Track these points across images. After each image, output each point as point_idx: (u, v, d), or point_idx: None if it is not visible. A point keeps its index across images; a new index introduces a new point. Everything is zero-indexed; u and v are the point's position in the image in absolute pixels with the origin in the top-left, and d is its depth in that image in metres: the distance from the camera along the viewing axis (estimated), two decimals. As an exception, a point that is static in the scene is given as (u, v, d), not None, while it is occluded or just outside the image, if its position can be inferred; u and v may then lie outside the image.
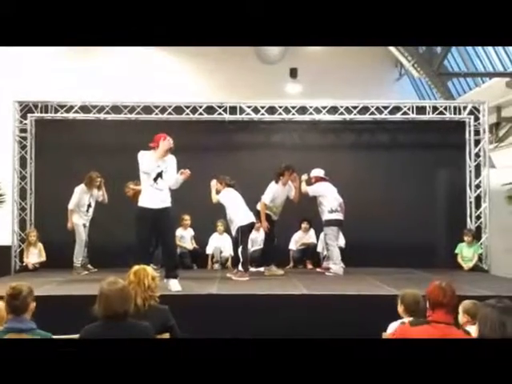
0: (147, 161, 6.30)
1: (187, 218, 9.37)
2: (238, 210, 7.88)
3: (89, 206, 8.50)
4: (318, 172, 8.75)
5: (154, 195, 6.31)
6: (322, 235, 8.89)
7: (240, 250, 7.98)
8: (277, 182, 8.23)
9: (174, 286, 6.21)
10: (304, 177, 8.59)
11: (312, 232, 9.47)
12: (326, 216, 8.51)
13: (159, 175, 6.32)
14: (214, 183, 8.04)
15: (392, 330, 4.13)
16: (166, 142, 6.27)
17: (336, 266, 8.35)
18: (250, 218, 7.92)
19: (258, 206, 8.18)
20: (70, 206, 8.37)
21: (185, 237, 9.47)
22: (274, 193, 8.21)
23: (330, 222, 8.51)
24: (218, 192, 8.03)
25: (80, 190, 8.41)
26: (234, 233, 7.97)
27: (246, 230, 7.92)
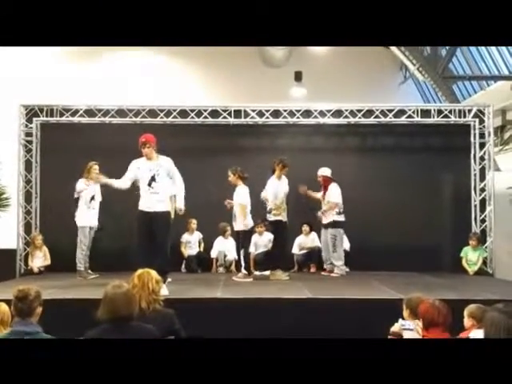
0: (138, 167, 6.45)
1: (194, 222, 9.35)
2: (247, 214, 7.93)
3: (92, 198, 8.33)
4: (325, 171, 8.76)
5: (149, 199, 6.39)
6: (328, 236, 8.70)
7: (242, 253, 8.05)
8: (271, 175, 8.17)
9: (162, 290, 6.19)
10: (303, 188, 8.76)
11: (314, 235, 9.42)
12: (334, 217, 8.54)
13: (152, 179, 6.39)
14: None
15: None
16: (148, 150, 6.41)
17: (341, 266, 8.51)
18: (252, 223, 8.11)
19: (271, 205, 8.04)
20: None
21: (191, 242, 9.46)
22: (271, 187, 8.10)
23: (340, 224, 8.58)
24: (231, 183, 8.02)
25: (79, 183, 8.31)
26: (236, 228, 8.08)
27: (248, 235, 8.18)
